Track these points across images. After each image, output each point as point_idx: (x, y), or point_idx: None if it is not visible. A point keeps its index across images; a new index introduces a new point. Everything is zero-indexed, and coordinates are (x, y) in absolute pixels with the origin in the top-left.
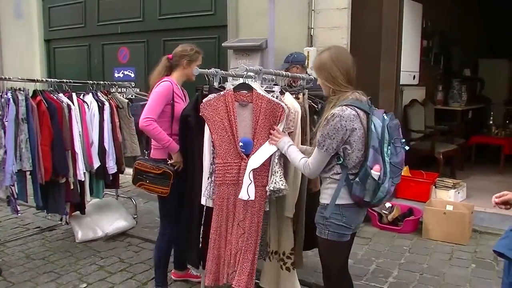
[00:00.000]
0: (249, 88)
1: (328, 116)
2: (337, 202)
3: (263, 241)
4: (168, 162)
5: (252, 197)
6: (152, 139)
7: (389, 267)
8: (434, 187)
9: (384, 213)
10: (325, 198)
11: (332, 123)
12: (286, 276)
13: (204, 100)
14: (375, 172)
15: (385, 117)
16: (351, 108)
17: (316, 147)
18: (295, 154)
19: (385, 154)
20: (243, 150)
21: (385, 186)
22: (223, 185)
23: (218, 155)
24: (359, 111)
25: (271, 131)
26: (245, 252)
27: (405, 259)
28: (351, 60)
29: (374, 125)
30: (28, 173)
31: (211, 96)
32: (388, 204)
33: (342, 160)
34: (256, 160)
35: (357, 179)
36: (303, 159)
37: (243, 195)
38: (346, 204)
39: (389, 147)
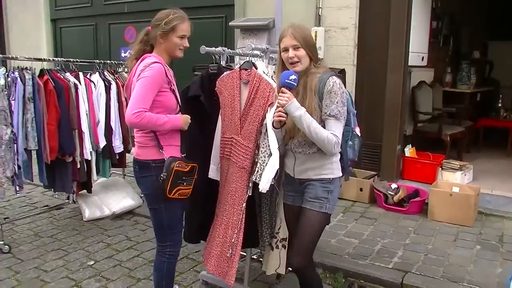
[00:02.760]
0: (251, 66)
1: (333, 85)
2: (340, 174)
3: (264, 231)
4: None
5: (250, 192)
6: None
7: (394, 248)
8: (440, 169)
9: (390, 194)
10: (329, 172)
11: (342, 90)
12: (276, 253)
13: (221, 76)
14: (358, 133)
15: None
16: (338, 77)
17: (335, 120)
18: (318, 124)
19: (355, 118)
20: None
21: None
22: (223, 159)
23: (222, 129)
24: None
25: (280, 93)
26: (224, 233)
27: (410, 240)
28: None
29: (347, 92)
30: (34, 152)
31: (225, 72)
32: (394, 185)
33: None
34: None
35: (350, 142)
36: (330, 134)
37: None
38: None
39: (355, 111)
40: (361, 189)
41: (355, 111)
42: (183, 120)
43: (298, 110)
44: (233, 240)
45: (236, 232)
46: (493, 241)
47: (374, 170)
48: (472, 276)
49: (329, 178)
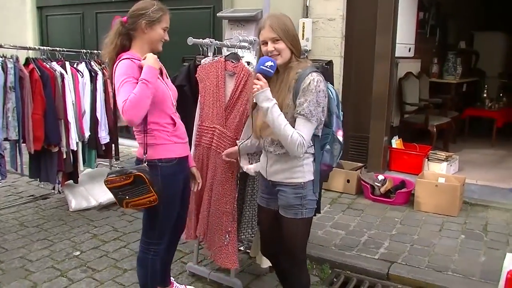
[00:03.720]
0: (238, 59)
1: (310, 82)
2: (312, 177)
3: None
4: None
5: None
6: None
7: (381, 238)
8: (427, 159)
9: (377, 186)
10: (300, 176)
11: (319, 89)
12: None
13: (202, 61)
14: (340, 137)
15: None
16: (320, 75)
17: (304, 119)
18: (284, 121)
19: (340, 119)
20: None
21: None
22: (199, 146)
23: (200, 117)
24: (323, 77)
25: (255, 80)
26: (217, 222)
27: (397, 231)
28: None
29: (331, 91)
30: (22, 141)
31: (207, 59)
32: (381, 177)
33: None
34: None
35: (327, 146)
36: (295, 132)
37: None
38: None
39: (341, 112)
40: (348, 181)
41: (341, 113)
42: (149, 61)
43: (267, 101)
44: (229, 229)
45: (231, 220)
46: (477, 230)
47: (361, 162)
48: (457, 265)
49: (300, 183)
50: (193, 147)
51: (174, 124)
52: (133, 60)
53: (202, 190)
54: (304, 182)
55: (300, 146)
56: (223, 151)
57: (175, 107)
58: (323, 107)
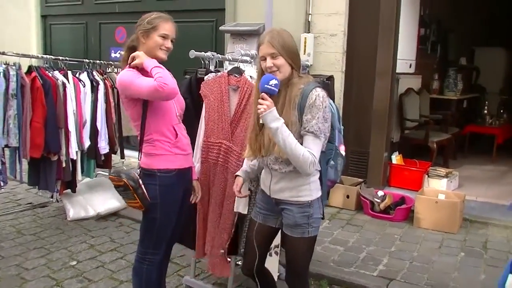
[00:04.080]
0: (241, 73)
1: (316, 98)
2: (319, 194)
3: None
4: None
5: (245, 211)
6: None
7: (380, 255)
8: (427, 176)
9: (377, 201)
10: (307, 195)
11: (325, 104)
12: (271, 260)
13: (205, 78)
14: (343, 152)
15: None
16: (322, 90)
17: (313, 136)
18: (294, 140)
19: (341, 134)
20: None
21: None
22: (205, 162)
23: (205, 133)
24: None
25: (260, 99)
26: (220, 235)
27: (396, 247)
28: None
29: (332, 107)
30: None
31: (210, 75)
32: (380, 193)
33: None
34: None
35: (331, 162)
36: (306, 151)
37: (236, 207)
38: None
39: (342, 127)
40: (347, 196)
41: (342, 127)
42: (142, 58)
43: (275, 121)
44: (226, 245)
45: (229, 236)
46: (477, 248)
47: (361, 177)
48: (456, 283)
49: (308, 201)
50: (198, 163)
51: (176, 135)
52: (133, 71)
53: (212, 206)
54: (311, 201)
55: (312, 165)
56: (230, 166)
57: (180, 118)
58: (331, 122)
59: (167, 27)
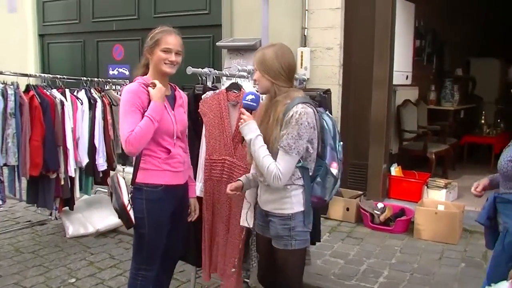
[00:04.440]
0: (239, 88)
1: (293, 115)
2: (301, 208)
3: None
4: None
5: (251, 225)
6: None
7: (380, 267)
8: (426, 187)
9: (376, 214)
10: (288, 208)
11: (301, 121)
12: None
13: (203, 97)
14: (334, 169)
15: (329, 115)
16: (309, 106)
17: (283, 152)
18: (264, 152)
19: (338, 152)
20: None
21: (339, 182)
22: (209, 180)
23: (207, 151)
24: (313, 108)
25: (240, 114)
26: (231, 253)
27: (396, 259)
28: (294, 59)
29: (326, 123)
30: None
31: (208, 93)
32: (380, 205)
33: (301, 162)
34: None
35: (318, 178)
36: (273, 164)
37: (242, 221)
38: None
39: (339, 144)
40: (347, 209)
41: (340, 144)
42: (155, 96)
43: (250, 133)
44: (236, 262)
45: (238, 253)
46: (477, 258)
47: (360, 190)
48: None
49: (288, 214)
50: (201, 181)
51: (169, 152)
52: (142, 85)
53: (217, 224)
54: (292, 214)
55: (276, 178)
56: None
57: (180, 137)
58: (307, 140)
59: (170, 40)
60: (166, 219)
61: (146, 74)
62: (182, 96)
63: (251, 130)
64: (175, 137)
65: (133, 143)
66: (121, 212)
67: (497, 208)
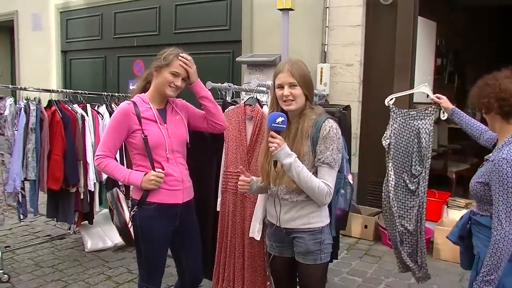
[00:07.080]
0: (254, 103)
1: (330, 130)
2: (328, 220)
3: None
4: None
5: (258, 238)
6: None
7: (398, 287)
8: (446, 206)
9: None
10: (318, 221)
11: (338, 136)
12: None
13: (226, 111)
14: (350, 181)
15: None
16: (334, 121)
17: (328, 168)
18: (309, 172)
19: (348, 163)
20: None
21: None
22: (225, 193)
23: (224, 163)
24: None
25: (270, 137)
26: (249, 266)
27: (415, 279)
28: None
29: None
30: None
31: (230, 107)
32: None
33: None
34: None
35: (342, 191)
36: (321, 182)
37: (251, 232)
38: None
39: (348, 157)
40: (365, 226)
41: (348, 157)
42: (144, 180)
43: (288, 157)
44: (267, 273)
45: (262, 272)
46: None
47: (379, 207)
48: None
49: (319, 228)
50: (219, 193)
51: (162, 169)
52: (135, 102)
53: (232, 236)
54: (322, 227)
55: (328, 195)
56: (250, 195)
57: (170, 152)
58: (341, 153)
59: (177, 65)
60: (163, 235)
61: (146, 90)
62: (178, 104)
63: (287, 154)
64: (167, 151)
65: (99, 166)
66: (122, 229)
67: (471, 229)
